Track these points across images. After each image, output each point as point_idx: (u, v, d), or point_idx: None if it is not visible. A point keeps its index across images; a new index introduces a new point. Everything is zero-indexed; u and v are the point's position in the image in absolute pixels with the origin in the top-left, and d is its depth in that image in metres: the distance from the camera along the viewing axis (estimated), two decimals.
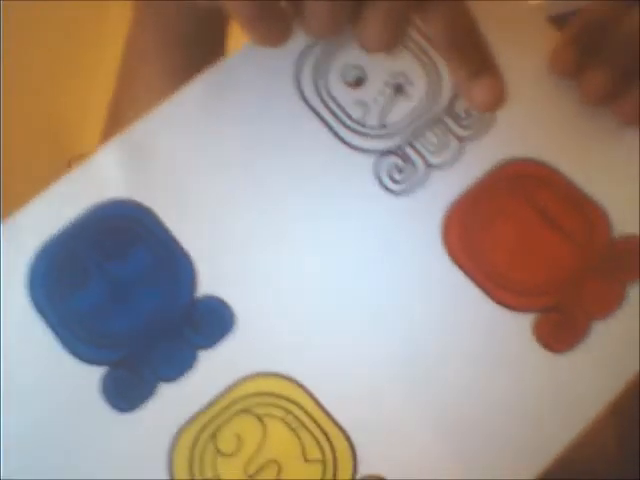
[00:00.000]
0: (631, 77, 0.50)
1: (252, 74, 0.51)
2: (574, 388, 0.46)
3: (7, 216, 0.48)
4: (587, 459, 0.56)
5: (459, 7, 0.46)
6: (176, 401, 0.46)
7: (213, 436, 0.46)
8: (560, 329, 0.47)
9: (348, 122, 0.51)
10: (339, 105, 0.51)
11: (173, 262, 0.48)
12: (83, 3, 0.63)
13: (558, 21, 0.52)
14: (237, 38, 0.56)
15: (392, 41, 0.45)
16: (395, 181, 0.50)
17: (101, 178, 0.49)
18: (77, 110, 0.66)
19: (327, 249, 0.49)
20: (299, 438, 0.46)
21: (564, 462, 0.46)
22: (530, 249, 0.49)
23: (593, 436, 0.47)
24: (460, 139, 0.50)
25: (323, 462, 0.46)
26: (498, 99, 0.47)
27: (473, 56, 0.47)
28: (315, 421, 0.46)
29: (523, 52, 0.52)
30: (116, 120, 0.67)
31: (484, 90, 0.47)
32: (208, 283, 0.48)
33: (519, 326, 0.47)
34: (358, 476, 0.45)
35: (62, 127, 0.68)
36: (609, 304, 0.48)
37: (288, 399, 0.46)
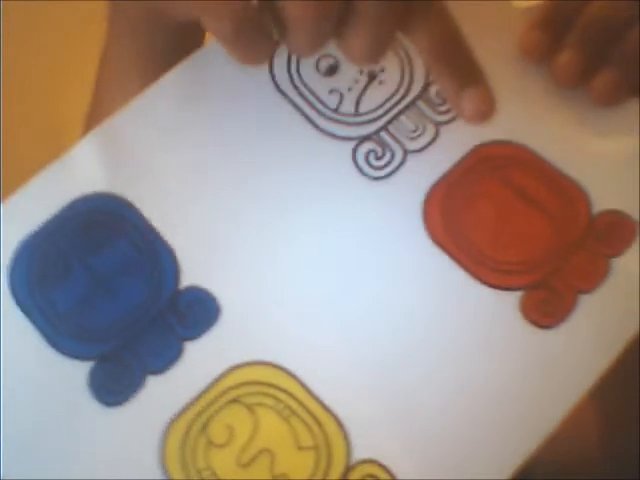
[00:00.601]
0: (601, 58, 0.50)
1: (226, 65, 0.51)
2: (565, 362, 0.46)
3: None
4: (570, 461, 0.56)
5: (443, 19, 0.46)
6: (165, 393, 0.46)
7: (204, 427, 0.45)
8: (547, 305, 0.47)
9: (324, 110, 0.51)
10: (314, 94, 0.51)
11: (155, 254, 0.48)
12: (83, 3, 0.63)
13: None
14: None
15: (377, 54, 0.45)
16: (373, 167, 0.50)
17: (80, 171, 0.49)
18: (77, 110, 0.66)
19: (308, 237, 0.49)
20: (291, 426, 0.45)
21: (547, 464, 0.46)
22: (511, 228, 0.49)
23: (576, 439, 0.47)
24: (435, 123, 0.51)
25: (316, 449, 0.45)
26: (487, 110, 0.47)
27: (459, 68, 0.47)
28: (306, 408, 0.45)
29: (494, 35, 0.52)
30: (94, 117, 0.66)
31: (472, 102, 0.47)
32: (191, 274, 0.48)
33: (506, 305, 0.47)
34: (352, 461, 0.45)
35: (62, 127, 0.68)
36: (594, 277, 0.48)
37: (278, 387, 0.46)
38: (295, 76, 0.51)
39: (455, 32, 0.47)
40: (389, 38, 0.45)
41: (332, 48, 0.51)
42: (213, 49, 0.52)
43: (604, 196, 0.50)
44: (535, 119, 0.51)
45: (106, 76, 0.66)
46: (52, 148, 0.72)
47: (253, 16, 0.43)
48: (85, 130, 0.66)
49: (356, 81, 0.51)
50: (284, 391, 0.46)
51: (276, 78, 0.51)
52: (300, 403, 0.46)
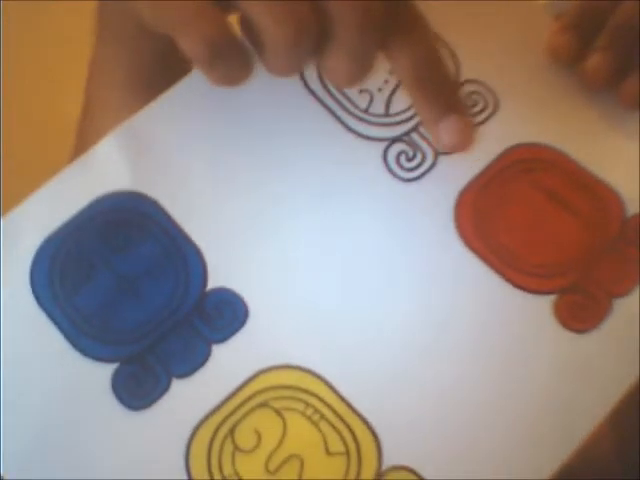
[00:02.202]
0: (631, 60, 0.50)
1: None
2: (601, 366, 0.45)
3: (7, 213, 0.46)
4: (586, 471, 0.55)
5: (425, 45, 0.46)
6: (191, 397, 0.44)
7: (231, 432, 0.44)
8: (581, 309, 0.46)
9: (354, 111, 0.50)
10: (344, 94, 0.50)
11: (182, 254, 0.47)
12: (83, 3, 0.62)
13: None
14: None
15: (359, 78, 0.44)
16: (404, 168, 0.49)
17: (105, 169, 0.48)
18: (77, 110, 0.65)
19: (340, 238, 0.48)
20: (320, 431, 0.44)
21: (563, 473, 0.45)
22: (543, 231, 0.48)
23: (592, 448, 0.46)
24: None
25: (347, 455, 0.44)
26: (464, 140, 0.47)
27: (438, 97, 0.47)
28: (336, 413, 0.44)
29: (523, 40, 0.52)
30: (82, 147, 0.66)
31: (449, 132, 0.47)
32: (219, 275, 0.47)
33: (539, 309, 0.46)
34: (384, 467, 0.44)
35: (62, 127, 0.67)
36: (627, 281, 0.47)
37: (307, 391, 0.45)
38: None
39: (436, 59, 0.46)
40: (370, 61, 0.44)
41: None
42: None
43: (637, 199, 0.49)
44: (566, 121, 0.50)
45: (94, 84, 0.65)
46: (52, 148, 0.71)
47: (229, 38, 0.42)
48: (77, 135, 0.66)
49: (386, 81, 0.50)
50: (314, 395, 0.45)
51: (306, 77, 0.51)
52: (330, 408, 0.44)
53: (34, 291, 0.46)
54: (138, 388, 0.45)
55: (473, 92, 0.51)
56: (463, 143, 0.47)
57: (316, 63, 0.44)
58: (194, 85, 0.50)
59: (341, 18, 0.42)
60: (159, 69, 0.61)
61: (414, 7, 0.46)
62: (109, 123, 0.62)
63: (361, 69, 0.44)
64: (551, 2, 0.56)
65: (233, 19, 0.43)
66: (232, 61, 0.43)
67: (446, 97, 0.47)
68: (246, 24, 0.43)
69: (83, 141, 0.67)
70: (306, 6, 0.41)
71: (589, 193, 0.49)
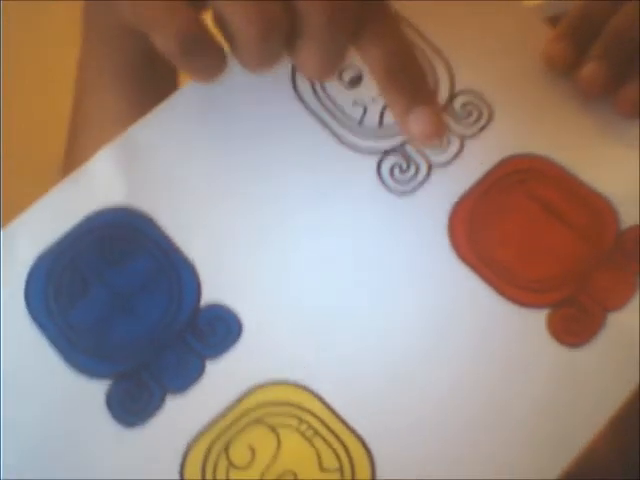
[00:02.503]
0: (628, 68, 0.50)
1: (248, 76, 0.50)
2: (594, 381, 0.45)
3: (7, 218, 0.47)
4: (586, 472, 0.55)
5: (395, 37, 0.46)
6: (185, 413, 0.45)
7: (225, 449, 0.44)
8: (575, 323, 0.46)
9: (347, 122, 0.50)
10: (337, 106, 0.50)
11: (175, 270, 0.47)
12: (83, 3, 0.63)
13: (556, 21, 0.52)
14: None
15: (330, 70, 0.45)
16: (398, 181, 0.49)
17: (98, 185, 0.48)
18: None
19: (333, 252, 0.48)
20: (314, 447, 0.44)
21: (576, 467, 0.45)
22: (538, 244, 0.48)
23: (592, 450, 0.46)
24: (460, 137, 0.50)
25: (340, 471, 0.44)
26: (434, 131, 0.46)
27: (408, 89, 0.46)
28: (330, 429, 0.44)
29: (518, 49, 0.52)
30: (72, 146, 0.68)
31: (419, 123, 0.46)
32: (212, 291, 0.47)
33: (533, 322, 0.46)
34: None
35: (62, 127, 0.67)
36: (622, 295, 0.47)
37: (301, 407, 0.45)
38: (318, 87, 0.51)
39: (406, 50, 0.46)
40: (341, 54, 0.44)
41: (355, 59, 0.50)
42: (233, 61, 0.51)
43: (633, 211, 0.48)
44: (561, 132, 0.50)
45: (82, 83, 0.66)
46: (52, 148, 0.71)
47: (201, 34, 0.42)
48: (67, 134, 0.67)
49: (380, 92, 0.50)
50: (308, 411, 0.45)
51: (298, 89, 0.51)
52: (324, 424, 0.45)
53: (29, 307, 0.46)
54: (132, 404, 0.45)
55: (468, 103, 0.50)
56: (432, 133, 0.47)
57: (289, 58, 0.45)
58: (186, 99, 0.50)
59: (310, 14, 0.42)
60: (144, 68, 0.62)
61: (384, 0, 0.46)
62: (98, 123, 0.64)
63: (332, 62, 0.44)
64: (547, 2, 0.56)
65: (208, 16, 0.44)
66: (204, 56, 0.43)
67: (415, 88, 0.47)
68: (219, 21, 0.43)
69: (74, 141, 0.68)
70: (277, 5, 0.42)
71: (584, 205, 0.49)
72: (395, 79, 0.46)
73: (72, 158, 0.67)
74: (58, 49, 0.66)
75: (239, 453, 0.44)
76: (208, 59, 0.43)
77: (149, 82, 0.63)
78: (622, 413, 0.46)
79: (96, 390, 0.45)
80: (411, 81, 0.46)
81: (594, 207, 0.49)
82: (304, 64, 0.44)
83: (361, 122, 0.50)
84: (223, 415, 0.45)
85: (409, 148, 0.49)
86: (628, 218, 0.48)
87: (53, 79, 0.67)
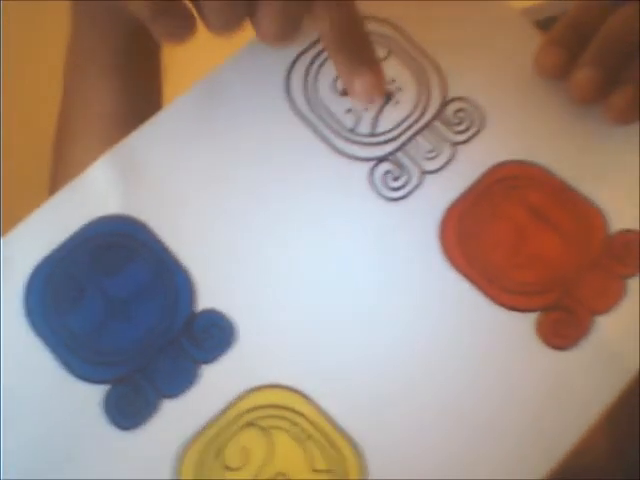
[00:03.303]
0: (618, 75, 0.50)
1: (242, 86, 0.51)
2: (582, 383, 0.46)
3: (7, 219, 0.48)
4: (579, 470, 0.56)
5: (343, 7, 0.50)
6: (180, 417, 0.46)
7: (219, 451, 0.45)
8: (563, 326, 0.47)
9: (341, 131, 0.51)
10: (331, 114, 0.51)
11: (171, 276, 0.48)
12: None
13: (545, 24, 0.53)
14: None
15: (284, 35, 0.48)
16: (390, 188, 0.50)
17: (94, 194, 0.49)
18: None
19: (326, 258, 0.49)
20: (306, 449, 0.45)
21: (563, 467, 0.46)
22: (527, 249, 0.49)
23: (586, 447, 0.47)
24: (452, 144, 0.51)
25: (332, 472, 0.45)
26: (375, 91, 0.50)
27: (354, 52, 0.50)
28: (321, 431, 0.45)
29: (510, 55, 0.52)
30: (60, 135, 0.71)
31: (362, 84, 0.50)
32: (207, 296, 0.48)
33: (522, 326, 0.47)
34: None
35: None
36: (609, 298, 0.47)
37: (293, 410, 0.46)
38: (312, 95, 0.51)
39: (354, 18, 0.50)
40: (296, 20, 0.49)
41: None
42: (228, 68, 0.52)
43: (621, 215, 0.49)
44: (551, 138, 0.51)
45: (71, 72, 0.69)
46: (52, 148, 0.73)
47: None
48: (57, 124, 0.70)
49: None
50: (300, 414, 0.46)
51: (293, 98, 0.51)
52: (315, 426, 0.46)
53: (27, 314, 0.47)
54: (129, 408, 0.46)
55: (459, 110, 0.51)
56: (374, 94, 0.50)
57: (250, 22, 0.48)
58: (181, 109, 0.51)
59: None
60: (131, 51, 0.66)
61: None
62: (87, 112, 0.67)
63: (287, 26, 0.48)
64: (547, 2, 0.56)
65: None
66: (174, 19, 0.48)
67: (361, 54, 0.50)
68: None
69: (63, 132, 0.70)
70: None
71: (573, 210, 0.49)
72: (342, 45, 0.50)
73: (61, 143, 0.70)
74: (58, 49, 0.67)
75: (233, 455, 0.45)
76: (177, 21, 0.48)
77: (135, 64, 0.66)
78: (610, 414, 0.47)
79: (93, 395, 0.46)
80: (356, 46, 0.50)
81: (583, 212, 0.49)
82: (261, 28, 0.48)
83: (354, 130, 0.51)
84: (217, 418, 0.46)
85: (401, 155, 0.50)
86: (616, 222, 0.49)
87: (53, 79, 0.68)
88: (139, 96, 0.67)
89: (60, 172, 0.69)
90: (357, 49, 0.50)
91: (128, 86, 0.66)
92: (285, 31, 0.48)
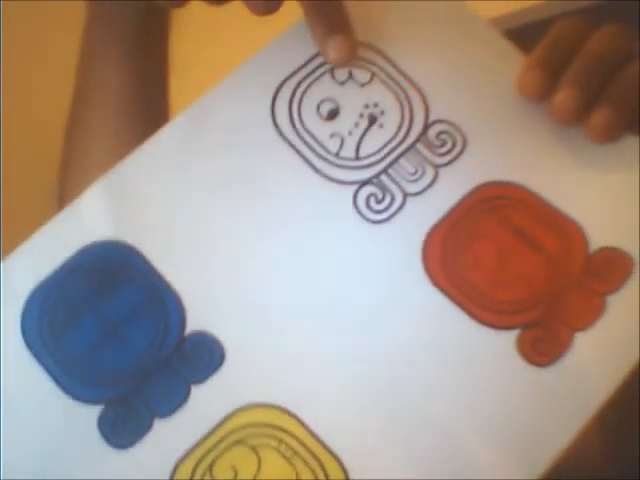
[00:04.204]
0: (598, 95, 0.51)
1: (228, 112, 0.53)
2: (562, 399, 0.47)
3: (7, 218, 0.50)
4: (572, 469, 0.57)
5: None
6: (172, 436, 0.47)
7: (210, 468, 0.47)
8: (543, 343, 0.48)
9: (325, 155, 0.52)
10: (315, 138, 0.52)
11: (161, 300, 0.49)
12: (84, 3, 0.65)
13: (529, 30, 0.53)
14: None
15: (268, 8, 0.52)
16: (374, 211, 0.51)
17: (88, 220, 0.51)
18: None
19: (311, 280, 0.50)
20: (293, 466, 0.47)
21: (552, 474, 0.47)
22: (509, 268, 0.50)
23: (578, 446, 0.48)
24: (434, 166, 0.52)
25: None
26: (347, 55, 0.53)
27: (328, 18, 0.54)
28: (308, 449, 0.47)
29: (491, 77, 0.53)
30: (71, 120, 0.74)
31: (336, 47, 0.53)
32: (197, 318, 0.49)
33: (503, 344, 0.48)
34: None
35: (62, 127, 0.70)
36: (589, 315, 0.49)
37: (281, 428, 0.47)
38: (296, 120, 0.53)
39: None
40: None
41: (333, 91, 0.53)
42: (214, 96, 0.53)
43: (601, 233, 0.50)
44: (533, 158, 0.52)
45: (84, 53, 0.72)
46: (52, 148, 0.74)
47: None
48: (70, 106, 0.73)
49: (356, 125, 0.52)
50: (287, 432, 0.47)
51: (277, 122, 0.53)
52: (302, 444, 0.47)
53: (25, 336, 0.49)
54: (123, 427, 0.48)
55: (442, 132, 0.52)
56: (345, 57, 0.53)
57: None
58: (170, 136, 0.53)
59: None
60: (141, 38, 0.69)
61: None
62: (98, 95, 0.71)
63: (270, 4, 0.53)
64: (547, 2, 0.57)
65: None
66: None
67: (334, 19, 0.54)
68: None
69: (74, 117, 0.73)
70: None
71: (555, 229, 0.50)
72: (318, 12, 0.54)
73: (73, 127, 0.73)
74: (58, 49, 0.69)
75: (222, 472, 0.47)
76: None
77: (145, 48, 0.70)
78: (614, 407, 0.48)
79: (88, 415, 0.48)
80: (331, 13, 0.54)
81: (564, 231, 0.50)
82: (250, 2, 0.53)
83: (338, 154, 0.52)
84: (207, 436, 0.47)
85: (384, 178, 0.52)
86: (596, 241, 0.50)
87: (53, 79, 0.70)
88: (148, 79, 0.71)
89: (71, 159, 0.72)
90: (331, 16, 0.53)
91: (138, 70, 0.70)
92: (269, 6, 0.53)
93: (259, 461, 0.47)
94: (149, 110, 0.70)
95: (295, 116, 0.53)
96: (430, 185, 0.51)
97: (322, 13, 0.53)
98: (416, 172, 0.52)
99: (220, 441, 0.47)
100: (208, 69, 0.57)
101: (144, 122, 0.68)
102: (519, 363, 0.48)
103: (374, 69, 0.54)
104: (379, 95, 0.53)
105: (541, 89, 0.52)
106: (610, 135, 0.51)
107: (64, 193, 0.72)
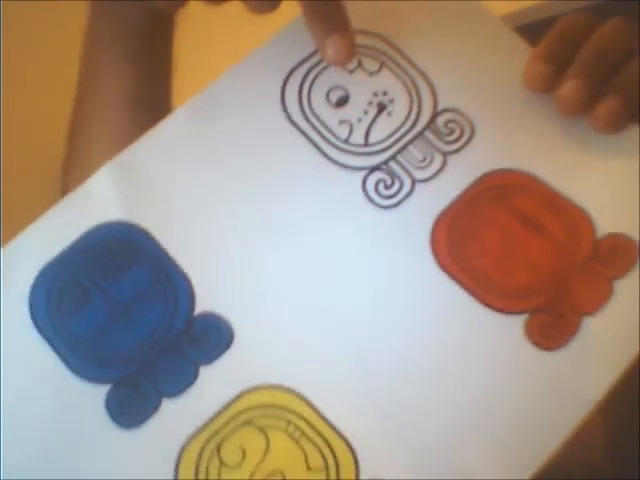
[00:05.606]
0: (603, 86, 0.52)
1: (239, 98, 0.53)
2: (569, 383, 0.47)
3: (7, 220, 0.49)
4: (574, 466, 0.57)
5: None
6: (179, 416, 0.47)
7: (217, 449, 0.47)
8: (551, 327, 0.48)
9: (334, 141, 0.53)
10: (325, 125, 0.53)
11: (170, 281, 0.49)
12: (84, 3, 0.66)
13: (531, 29, 0.54)
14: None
15: (268, 7, 0.53)
16: (383, 196, 0.51)
17: (97, 201, 0.51)
18: None
19: (320, 264, 0.50)
20: (301, 447, 0.47)
21: (551, 468, 0.47)
22: (516, 254, 0.50)
23: (581, 444, 0.48)
24: (443, 153, 0.52)
25: (326, 470, 0.46)
26: (346, 55, 0.53)
27: (327, 19, 0.53)
28: (316, 430, 0.47)
29: (499, 67, 0.54)
30: (73, 120, 0.73)
31: (334, 47, 0.52)
32: (206, 300, 0.49)
33: (511, 328, 0.49)
34: None
35: (62, 127, 0.70)
36: (597, 300, 0.49)
37: (289, 410, 0.47)
38: (306, 107, 0.53)
39: None
40: None
41: (343, 78, 0.53)
42: (226, 81, 0.54)
43: (608, 219, 0.51)
44: (539, 147, 0.52)
45: (87, 54, 0.71)
46: (52, 148, 0.74)
47: None
48: (72, 107, 0.73)
49: (365, 112, 0.53)
50: (295, 413, 0.47)
51: (288, 109, 0.53)
52: (310, 425, 0.47)
53: (33, 318, 0.49)
54: (130, 408, 0.47)
55: (450, 120, 0.53)
56: (344, 57, 0.53)
57: None
58: (181, 120, 0.53)
59: None
60: (145, 41, 0.69)
61: None
62: (100, 97, 0.70)
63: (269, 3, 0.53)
64: (547, 2, 0.57)
65: None
66: None
67: (333, 18, 0.53)
68: None
69: (76, 118, 0.73)
70: None
71: (562, 216, 0.51)
72: (317, 11, 0.53)
73: (75, 127, 0.73)
74: (58, 49, 0.69)
75: (230, 453, 0.47)
76: None
77: (148, 50, 0.70)
78: (606, 411, 0.48)
79: (96, 395, 0.48)
80: (330, 13, 0.53)
81: (571, 218, 0.51)
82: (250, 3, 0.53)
83: (347, 140, 0.53)
84: (215, 417, 0.47)
85: (393, 164, 0.52)
86: (603, 227, 0.51)
87: (53, 79, 0.70)
88: (151, 81, 0.70)
89: (73, 159, 0.72)
90: (329, 15, 0.53)
91: (141, 71, 0.69)
92: (268, 5, 0.53)
93: (267, 442, 0.47)
94: (152, 111, 0.70)
95: (305, 103, 0.53)
96: (438, 172, 0.52)
97: (320, 12, 0.53)
98: (425, 159, 0.52)
99: (228, 422, 0.47)
100: (208, 70, 0.57)
101: (147, 123, 0.68)
102: (527, 347, 0.48)
103: (383, 58, 0.54)
104: (388, 84, 0.54)
105: (546, 81, 0.53)
106: (615, 125, 0.52)
107: (67, 192, 0.72)
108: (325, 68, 0.54)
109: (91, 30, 0.70)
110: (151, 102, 0.70)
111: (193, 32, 0.72)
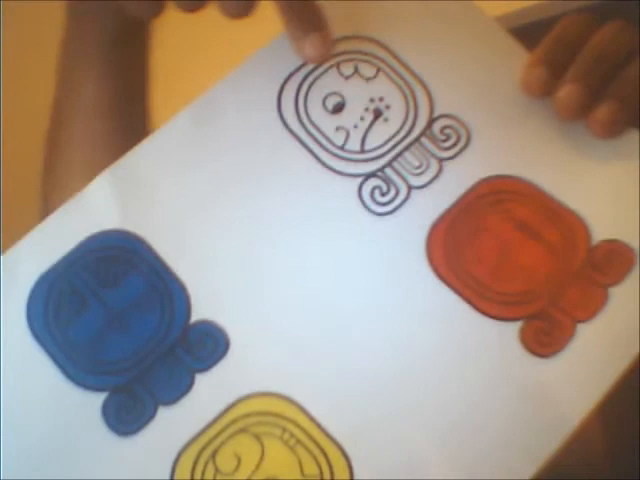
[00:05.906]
0: (601, 91, 0.51)
1: (235, 105, 0.53)
2: (563, 390, 0.48)
3: (7, 220, 0.50)
4: (573, 468, 0.58)
5: None
6: (175, 423, 0.48)
7: (213, 456, 0.47)
8: (545, 334, 0.49)
9: (330, 148, 0.53)
10: (321, 132, 0.53)
11: (167, 288, 0.50)
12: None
13: (530, 30, 0.54)
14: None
15: (242, 11, 0.53)
16: (378, 203, 0.52)
17: (94, 210, 0.51)
18: None
19: (316, 271, 0.51)
20: (296, 455, 0.47)
21: (550, 471, 0.48)
22: (512, 261, 0.50)
23: (580, 446, 0.48)
24: (439, 160, 0.52)
25: (320, 477, 0.47)
26: (323, 53, 0.54)
27: (304, 18, 0.54)
28: (311, 437, 0.47)
29: (495, 72, 0.54)
30: (51, 125, 0.74)
31: (312, 46, 0.53)
32: (202, 308, 0.50)
33: (506, 335, 0.49)
34: None
35: None
36: (592, 307, 0.49)
37: (284, 417, 0.48)
38: (303, 114, 0.53)
39: None
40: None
41: (339, 85, 0.53)
42: (222, 88, 0.54)
43: (603, 226, 0.51)
44: (536, 153, 0.52)
45: (63, 60, 0.72)
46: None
47: None
48: (50, 120, 0.73)
49: (362, 118, 0.53)
50: (290, 421, 0.47)
51: (284, 116, 0.53)
52: (305, 433, 0.47)
53: (30, 325, 0.49)
54: (126, 415, 0.48)
55: (446, 126, 0.53)
56: (321, 55, 0.54)
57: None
58: (177, 128, 0.53)
59: None
60: (119, 47, 0.69)
61: None
62: (75, 102, 0.71)
63: (244, 5, 0.53)
64: (547, 2, 0.57)
65: None
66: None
67: (310, 18, 0.54)
68: None
69: (54, 123, 0.73)
70: None
71: (557, 223, 0.51)
72: (294, 11, 0.54)
73: (52, 131, 0.74)
74: (58, 49, 0.69)
75: (226, 460, 0.47)
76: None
77: (123, 57, 0.70)
78: (605, 414, 0.48)
79: (93, 402, 0.48)
80: (307, 12, 0.54)
81: (567, 224, 0.51)
82: (223, 6, 0.53)
83: (343, 147, 0.53)
84: (211, 425, 0.47)
85: (389, 171, 0.52)
86: (599, 234, 0.51)
87: (53, 79, 0.70)
88: (126, 89, 0.71)
89: (53, 165, 0.73)
90: (306, 15, 0.54)
91: (115, 77, 0.70)
92: (243, 9, 0.53)
93: (262, 449, 0.47)
94: (129, 117, 0.70)
95: (301, 109, 0.53)
96: (434, 178, 0.52)
97: (296, 12, 0.54)
98: (421, 165, 0.52)
99: (223, 429, 0.47)
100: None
101: (121, 128, 0.69)
102: (522, 354, 0.48)
103: (380, 64, 0.54)
104: (384, 90, 0.54)
105: (543, 86, 0.52)
106: (613, 130, 0.52)
107: (48, 198, 0.72)
108: (322, 74, 0.54)
109: (66, 37, 0.70)
110: (126, 109, 0.70)
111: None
